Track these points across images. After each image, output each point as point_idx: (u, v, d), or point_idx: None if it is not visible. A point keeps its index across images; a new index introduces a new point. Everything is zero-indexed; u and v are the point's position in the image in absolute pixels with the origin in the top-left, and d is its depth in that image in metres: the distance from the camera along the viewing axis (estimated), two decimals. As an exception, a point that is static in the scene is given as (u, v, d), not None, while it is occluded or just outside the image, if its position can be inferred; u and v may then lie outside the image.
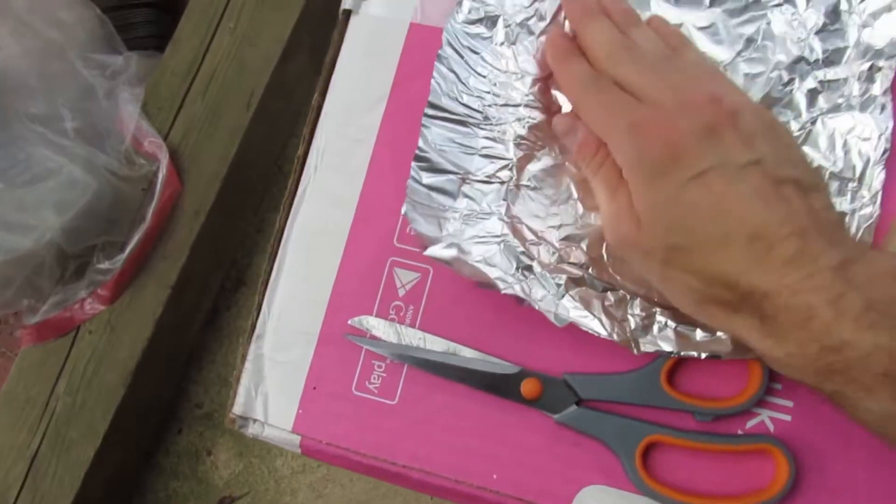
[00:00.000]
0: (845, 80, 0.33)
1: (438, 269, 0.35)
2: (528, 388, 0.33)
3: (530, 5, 0.35)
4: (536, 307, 0.32)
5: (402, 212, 0.33)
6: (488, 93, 0.35)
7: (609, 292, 0.32)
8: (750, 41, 0.34)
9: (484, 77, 0.35)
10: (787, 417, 0.33)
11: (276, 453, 0.88)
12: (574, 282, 0.33)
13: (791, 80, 0.34)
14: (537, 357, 0.34)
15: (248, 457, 0.89)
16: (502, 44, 0.35)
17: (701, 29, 0.35)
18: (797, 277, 0.27)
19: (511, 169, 0.34)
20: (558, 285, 0.33)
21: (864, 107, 0.33)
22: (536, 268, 0.33)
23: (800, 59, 0.34)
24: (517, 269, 0.33)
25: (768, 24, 0.34)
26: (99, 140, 0.81)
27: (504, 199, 0.34)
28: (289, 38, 0.86)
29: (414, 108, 0.36)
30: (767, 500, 0.32)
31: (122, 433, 0.82)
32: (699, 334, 0.32)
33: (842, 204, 0.33)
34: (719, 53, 0.34)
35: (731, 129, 0.29)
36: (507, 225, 0.34)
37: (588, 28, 0.33)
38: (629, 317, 0.32)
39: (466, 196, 0.34)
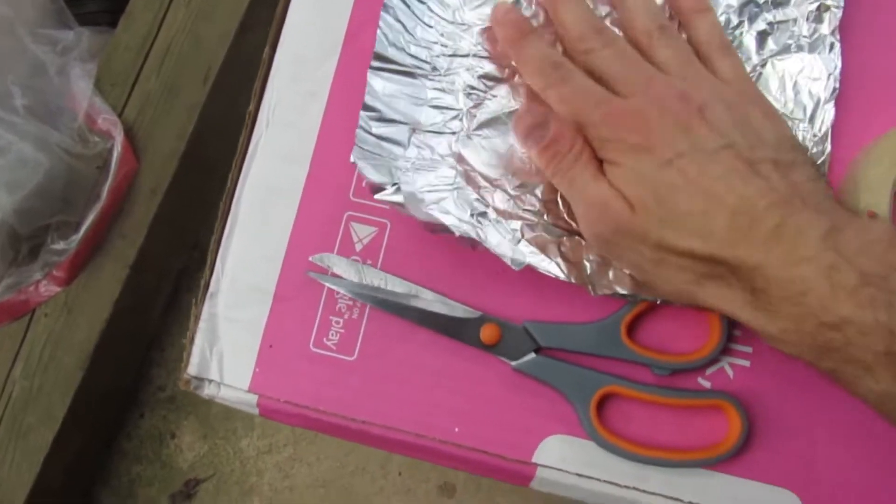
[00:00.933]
0: (794, 20, 0.33)
1: (396, 223, 0.35)
2: (487, 333, 0.33)
3: None
4: (492, 251, 0.32)
5: (351, 159, 0.33)
6: (436, 43, 0.34)
7: (565, 237, 0.32)
8: None
9: (431, 27, 0.35)
10: (747, 363, 0.33)
11: (241, 434, 0.87)
12: (530, 227, 0.32)
13: (740, 23, 0.34)
14: (498, 304, 0.34)
15: (212, 438, 0.87)
16: None
17: None
18: (784, 248, 0.27)
19: (461, 119, 0.34)
20: (513, 230, 0.32)
21: (812, 47, 0.33)
22: (491, 214, 0.32)
23: (749, 2, 0.34)
24: (471, 215, 0.32)
25: None
26: (51, 117, 0.78)
27: (456, 149, 0.33)
28: (245, 11, 0.84)
29: (368, 59, 0.35)
30: (721, 454, 0.32)
31: (81, 418, 0.80)
32: None
33: None
34: None
35: (700, 122, 0.30)
36: (459, 174, 0.33)
37: (562, 3, 0.33)
38: (585, 261, 0.32)
39: (417, 146, 0.33)
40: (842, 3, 0.33)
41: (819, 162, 0.33)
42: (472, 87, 0.34)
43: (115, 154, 0.79)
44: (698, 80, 0.32)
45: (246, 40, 0.85)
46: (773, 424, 0.32)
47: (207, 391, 0.35)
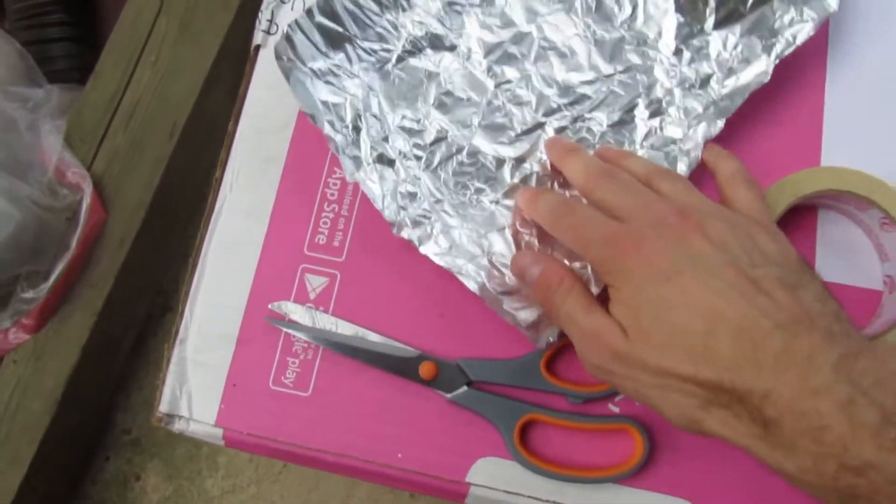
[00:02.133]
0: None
1: (345, 273, 0.40)
2: (425, 369, 0.38)
3: None
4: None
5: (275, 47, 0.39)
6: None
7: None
8: (630, 69, 0.40)
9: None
10: (651, 390, 0.38)
11: (205, 475, 0.90)
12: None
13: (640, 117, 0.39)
14: (434, 343, 0.39)
15: (177, 479, 0.90)
16: None
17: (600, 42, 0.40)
18: (795, 375, 0.26)
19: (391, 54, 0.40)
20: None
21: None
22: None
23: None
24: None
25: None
26: (21, 171, 0.82)
27: (376, 72, 0.40)
28: (209, 70, 0.89)
29: (319, 129, 0.40)
30: (628, 471, 0.37)
31: (48, 462, 0.82)
32: None
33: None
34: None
35: (700, 237, 0.29)
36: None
37: (567, 159, 0.36)
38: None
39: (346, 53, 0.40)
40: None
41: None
42: (415, 41, 0.41)
43: (84, 206, 0.82)
44: (699, 202, 0.32)
45: (210, 97, 0.90)
46: (672, 443, 0.37)
47: (178, 426, 0.39)
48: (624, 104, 0.39)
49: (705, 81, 0.39)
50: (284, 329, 0.39)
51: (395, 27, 0.41)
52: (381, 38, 0.41)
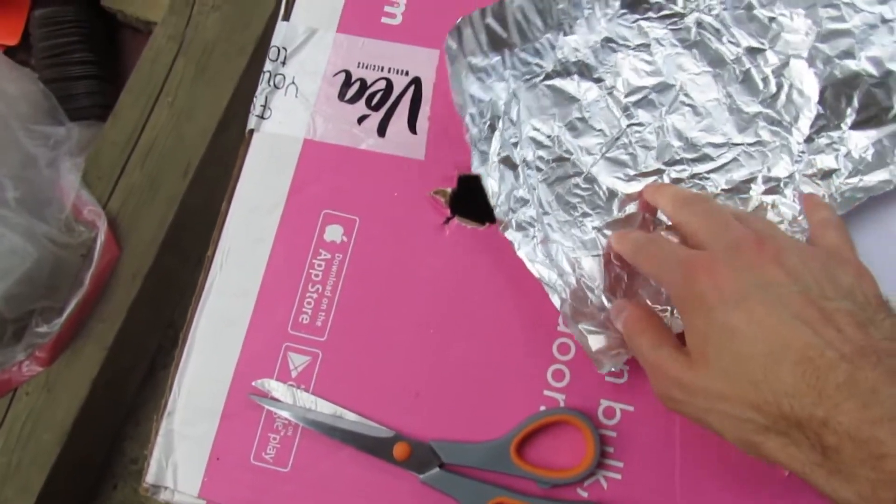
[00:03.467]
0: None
1: (326, 353, 0.41)
2: (399, 450, 0.39)
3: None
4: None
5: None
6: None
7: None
8: (761, 144, 0.42)
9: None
10: (619, 476, 0.39)
11: None
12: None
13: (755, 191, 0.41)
14: (409, 424, 0.40)
15: (181, 511, 0.92)
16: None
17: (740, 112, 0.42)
18: (856, 404, 0.26)
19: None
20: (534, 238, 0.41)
21: None
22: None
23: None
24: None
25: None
26: (39, 209, 0.84)
27: (523, 83, 0.43)
28: (224, 112, 0.91)
29: (306, 212, 0.42)
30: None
31: (57, 491, 0.84)
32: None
33: None
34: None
35: (774, 265, 0.30)
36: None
37: (661, 190, 0.39)
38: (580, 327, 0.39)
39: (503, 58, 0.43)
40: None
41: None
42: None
43: (99, 243, 0.85)
44: (781, 235, 0.33)
45: (223, 138, 0.92)
46: (638, 531, 0.39)
47: (163, 496, 0.41)
48: (744, 175, 0.41)
49: (828, 174, 0.41)
50: (266, 406, 0.40)
51: (553, 47, 0.43)
52: (538, 54, 0.43)
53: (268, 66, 0.45)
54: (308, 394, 0.41)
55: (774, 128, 0.42)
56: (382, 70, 0.45)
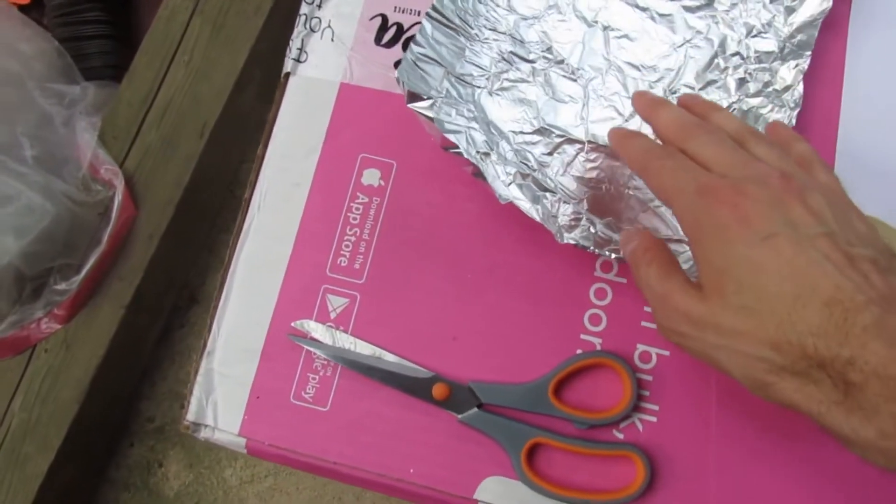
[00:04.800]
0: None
1: (364, 296, 0.42)
2: (438, 391, 0.39)
3: None
4: (487, 181, 0.39)
5: (396, 76, 0.40)
6: (484, 17, 0.43)
7: (548, 193, 0.40)
8: (698, 32, 0.43)
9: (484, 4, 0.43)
10: (654, 419, 0.40)
11: (224, 464, 0.93)
12: (522, 175, 0.40)
13: (725, 69, 0.42)
14: (448, 366, 0.40)
15: (197, 468, 0.93)
16: None
17: (662, 16, 0.43)
18: (884, 343, 0.25)
19: (488, 79, 0.42)
20: (508, 173, 0.40)
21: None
22: (493, 157, 0.40)
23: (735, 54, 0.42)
24: (476, 152, 0.40)
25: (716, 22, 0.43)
26: (57, 167, 0.84)
27: (476, 99, 0.41)
28: (240, 72, 0.91)
29: (343, 156, 0.42)
30: (629, 496, 0.38)
31: (75, 448, 0.85)
32: (615, 237, 0.39)
33: None
34: (673, 37, 0.43)
35: (800, 204, 0.29)
36: (477, 117, 0.41)
37: (657, 111, 0.35)
38: (560, 215, 0.39)
39: (448, 85, 0.41)
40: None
41: None
42: (503, 58, 0.42)
43: (116, 202, 0.85)
44: (797, 170, 0.31)
45: (240, 98, 0.92)
46: (673, 471, 0.39)
47: (203, 434, 0.41)
48: (703, 65, 0.42)
49: (768, 24, 0.42)
50: (306, 346, 0.41)
51: (476, 54, 0.43)
52: (470, 69, 0.43)
53: (303, 8, 0.45)
54: (347, 335, 0.41)
55: (700, 12, 0.43)
56: (419, 14, 0.45)
